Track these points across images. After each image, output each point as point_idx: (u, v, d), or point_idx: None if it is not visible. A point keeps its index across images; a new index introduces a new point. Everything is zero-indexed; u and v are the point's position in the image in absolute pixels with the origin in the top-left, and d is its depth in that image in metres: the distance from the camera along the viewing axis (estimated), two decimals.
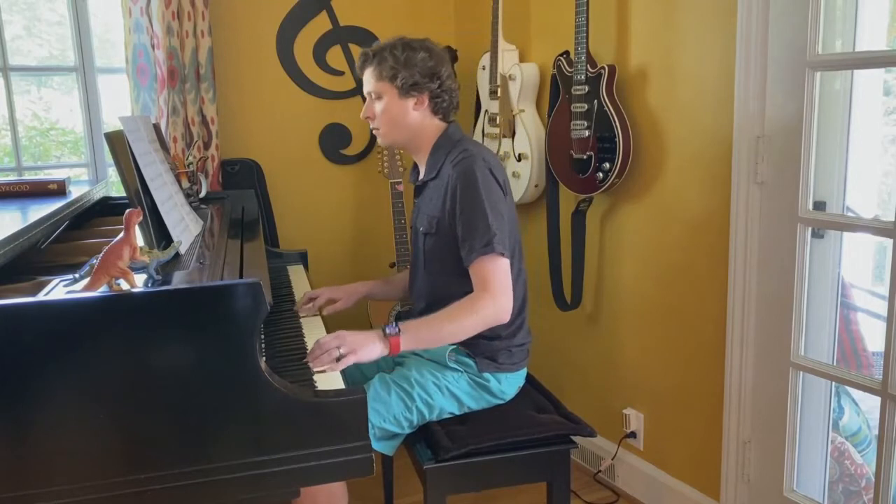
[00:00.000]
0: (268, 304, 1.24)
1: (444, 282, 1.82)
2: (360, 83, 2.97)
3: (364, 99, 1.93)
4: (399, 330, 1.65)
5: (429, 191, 1.89)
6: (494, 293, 1.71)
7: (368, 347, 1.61)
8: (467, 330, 1.71)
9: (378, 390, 1.75)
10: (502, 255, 1.72)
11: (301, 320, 1.89)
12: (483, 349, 1.83)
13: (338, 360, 1.56)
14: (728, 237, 2.00)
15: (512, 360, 1.86)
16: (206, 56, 2.60)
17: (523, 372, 1.94)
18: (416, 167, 1.98)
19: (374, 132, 1.93)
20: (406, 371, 1.82)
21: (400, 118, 1.85)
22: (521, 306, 1.89)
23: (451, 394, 1.81)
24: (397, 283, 2.15)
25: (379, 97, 1.85)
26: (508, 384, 1.87)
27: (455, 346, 1.82)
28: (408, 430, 1.80)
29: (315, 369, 1.53)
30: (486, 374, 1.83)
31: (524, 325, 1.91)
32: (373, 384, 1.77)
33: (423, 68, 1.81)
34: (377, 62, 1.83)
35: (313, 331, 1.81)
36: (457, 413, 1.83)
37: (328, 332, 1.70)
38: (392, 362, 1.99)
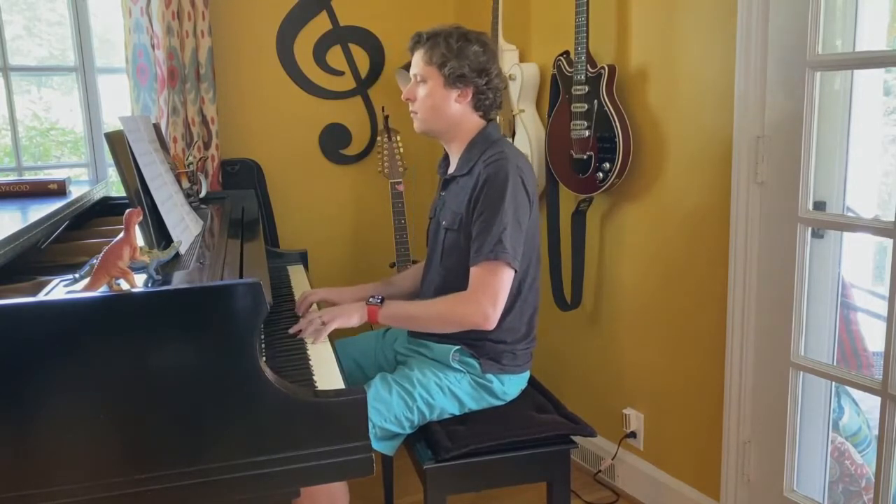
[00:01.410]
0: (268, 304, 1.24)
1: (456, 277, 1.81)
2: (360, 83, 2.99)
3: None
4: (381, 301, 1.79)
5: (457, 186, 1.86)
6: (481, 298, 1.71)
7: (347, 315, 1.77)
8: (442, 322, 1.76)
9: (379, 389, 1.75)
10: (508, 265, 1.71)
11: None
12: (487, 351, 1.83)
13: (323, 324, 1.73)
14: (728, 237, 2.00)
15: (516, 362, 1.86)
16: (206, 56, 2.60)
17: (526, 374, 1.94)
18: (445, 160, 1.96)
19: (411, 115, 1.90)
20: (408, 371, 1.82)
21: (440, 107, 1.83)
22: (533, 314, 1.89)
23: (453, 394, 1.81)
24: (399, 284, 2.14)
25: (424, 81, 1.83)
26: (511, 385, 1.87)
27: (459, 347, 1.82)
28: (408, 430, 1.79)
29: (301, 336, 1.73)
30: (490, 375, 1.83)
31: (532, 331, 1.90)
32: (374, 383, 1.77)
33: (475, 62, 1.79)
34: (429, 46, 1.81)
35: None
36: (457, 413, 1.83)
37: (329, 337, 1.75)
38: (394, 362, 1.99)
